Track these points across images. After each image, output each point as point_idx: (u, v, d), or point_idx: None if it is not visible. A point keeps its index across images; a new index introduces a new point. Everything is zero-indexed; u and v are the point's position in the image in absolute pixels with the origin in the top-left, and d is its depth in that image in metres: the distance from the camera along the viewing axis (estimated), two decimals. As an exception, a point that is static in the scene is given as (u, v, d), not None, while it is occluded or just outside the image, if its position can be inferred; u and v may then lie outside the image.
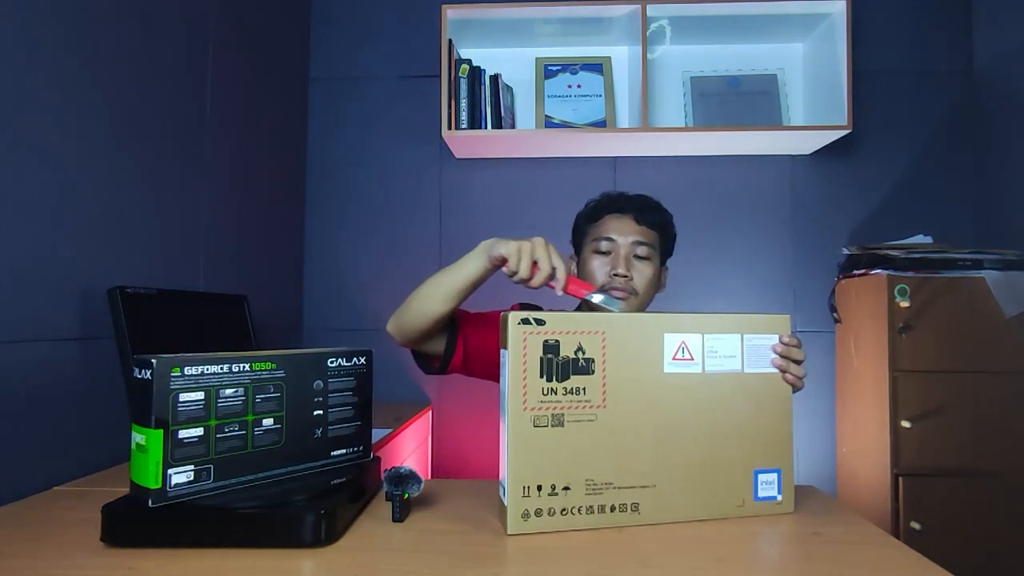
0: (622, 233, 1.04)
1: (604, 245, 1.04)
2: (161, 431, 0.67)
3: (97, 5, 1.07)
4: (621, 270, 1.02)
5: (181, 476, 0.69)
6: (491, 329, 1.00)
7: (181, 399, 0.68)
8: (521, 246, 0.84)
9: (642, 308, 1.06)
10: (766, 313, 0.84)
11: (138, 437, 0.67)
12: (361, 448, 0.88)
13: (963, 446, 1.52)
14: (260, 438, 0.76)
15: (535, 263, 0.84)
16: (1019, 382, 1.53)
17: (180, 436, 0.68)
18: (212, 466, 0.71)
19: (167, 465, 0.67)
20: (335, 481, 0.78)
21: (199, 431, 0.70)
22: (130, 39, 1.16)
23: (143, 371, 0.67)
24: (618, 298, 1.00)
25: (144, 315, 1.00)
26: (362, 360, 0.87)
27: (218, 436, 0.71)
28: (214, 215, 1.45)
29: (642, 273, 1.03)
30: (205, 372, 0.71)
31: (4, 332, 0.88)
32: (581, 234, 1.12)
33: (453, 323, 1.01)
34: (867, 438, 1.66)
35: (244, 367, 0.74)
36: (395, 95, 2.02)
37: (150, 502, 0.66)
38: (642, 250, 1.04)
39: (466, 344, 1.01)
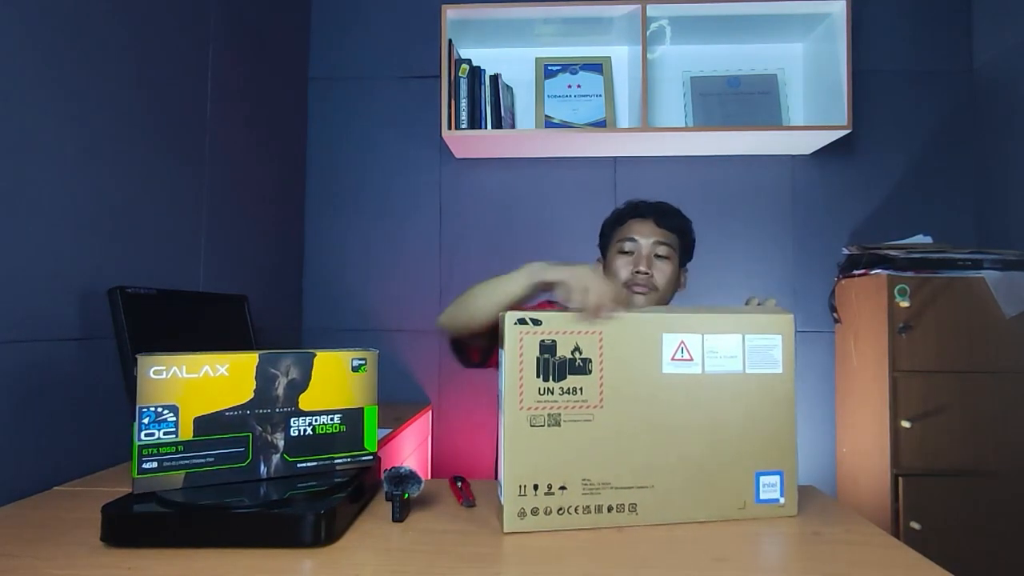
0: (643, 235, 1.13)
1: (627, 246, 1.14)
2: None
3: (97, 5, 1.07)
4: (643, 267, 1.11)
5: None
6: None
7: None
8: (573, 273, 0.80)
9: (663, 303, 1.14)
10: (766, 313, 0.83)
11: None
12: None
13: (963, 446, 1.52)
14: None
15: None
16: (1019, 382, 1.52)
17: None
18: None
19: None
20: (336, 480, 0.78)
21: None
22: (130, 39, 1.16)
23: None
24: (638, 292, 1.11)
25: (144, 315, 1.00)
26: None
27: None
28: (214, 215, 1.45)
29: (662, 271, 1.12)
30: None
31: (4, 332, 0.88)
32: (607, 238, 1.21)
33: None
34: (867, 438, 1.66)
35: None
36: (395, 95, 2.02)
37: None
38: (662, 250, 1.13)
39: None
